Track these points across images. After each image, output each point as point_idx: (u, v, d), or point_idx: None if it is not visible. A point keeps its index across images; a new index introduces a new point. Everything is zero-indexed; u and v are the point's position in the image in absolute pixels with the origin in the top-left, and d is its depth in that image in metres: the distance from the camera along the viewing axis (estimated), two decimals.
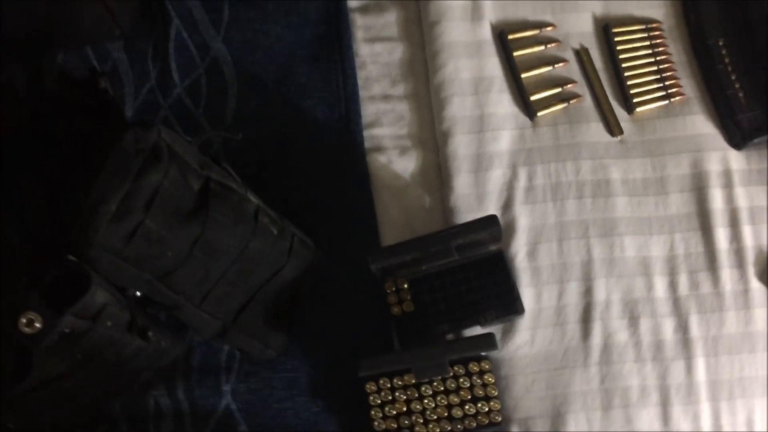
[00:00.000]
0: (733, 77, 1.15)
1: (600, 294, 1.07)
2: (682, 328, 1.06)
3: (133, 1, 1.16)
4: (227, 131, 1.07)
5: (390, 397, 1.03)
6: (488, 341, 0.98)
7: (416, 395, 1.03)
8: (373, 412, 1.03)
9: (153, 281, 0.88)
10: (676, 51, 1.19)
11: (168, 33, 1.18)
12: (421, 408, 1.03)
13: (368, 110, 1.17)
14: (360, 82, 1.18)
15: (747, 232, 1.10)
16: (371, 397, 1.03)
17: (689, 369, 1.05)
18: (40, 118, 1.03)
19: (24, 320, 0.75)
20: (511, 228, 1.10)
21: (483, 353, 1.04)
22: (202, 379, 1.06)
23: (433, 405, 1.03)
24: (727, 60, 1.15)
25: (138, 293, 0.91)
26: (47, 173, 0.96)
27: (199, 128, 1.13)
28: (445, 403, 1.03)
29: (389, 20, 1.21)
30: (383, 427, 1.02)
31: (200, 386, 1.05)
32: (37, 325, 0.75)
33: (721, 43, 1.16)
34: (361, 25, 1.21)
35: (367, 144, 1.15)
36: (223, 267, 0.93)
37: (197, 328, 0.98)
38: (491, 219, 1.00)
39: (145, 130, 0.83)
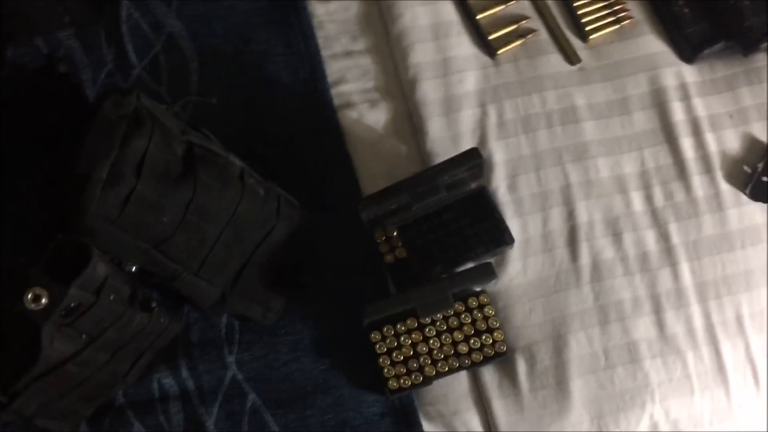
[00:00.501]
0: None
1: (582, 216, 1.11)
2: (663, 237, 1.10)
3: None
4: (201, 96, 1.06)
5: (396, 343, 1.04)
6: (488, 270, 1.00)
7: (421, 338, 1.04)
8: (381, 360, 1.03)
9: (150, 250, 0.86)
10: None
11: (119, 14, 1.16)
12: (427, 349, 1.04)
13: (332, 68, 1.17)
14: (320, 41, 1.18)
15: (710, 138, 1.15)
16: (377, 346, 1.03)
17: (675, 275, 1.09)
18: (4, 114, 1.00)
19: (30, 296, 0.73)
20: (489, 164, 1.12)
21: (480, 288, 1.05)
22: (204, 354, 1.05)
23: (439, 344, 1.04)
24: None
25: (134, 268, 0.90)
26: (29, 165, 0.93)
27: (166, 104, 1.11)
28: (450, 340, 1.04)
29: None
30: (393, 372, 1.03)
31: (203, 361, 1.04)
32: (44, 300, 0.74)
33: None
34: None
35: (336, 101, 1.16)
36: (217, 230, 0.92)
37: (197, 298, 0.97)
38: (473, 152, 1.02)
39: (123, 95, 0.82)
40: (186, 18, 1.17)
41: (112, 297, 0.82)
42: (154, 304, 0.88)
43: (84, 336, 0.84)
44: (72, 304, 0.77)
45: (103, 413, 1.01)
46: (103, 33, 1.16)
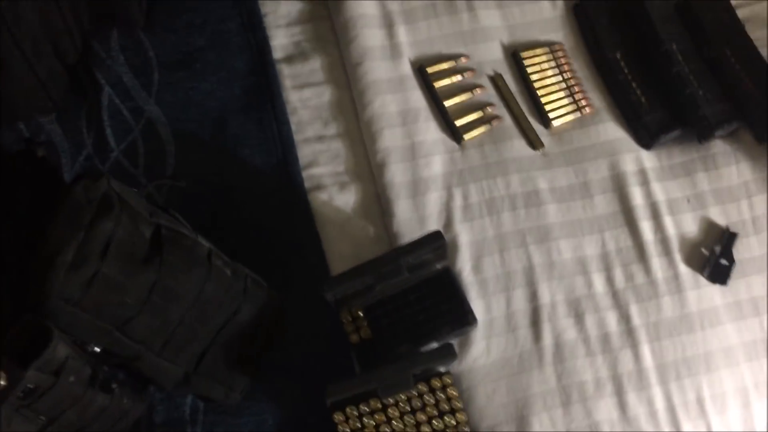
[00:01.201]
0: (633, 84, 1.25)
1: (545, 297, 1.13)
2: (624, 318, 1.13)
3: (63, 72, 1.19)
4: (172, 179, 1.10)
5: (359, 425, 1.04)
6: (448, 351, 1.02)
7: (384, 419, 1.05)
8: None
9: (113, 331, 0.88)
10: (579, 67, 1.29)
11: (100, 100, 1.21)
12: (390, 430, 1.04)
13: (304, 152, 1.22)
14: (293, 126, 1.23)
15: (668, 222, 1.18)
16: (340, 427, 1.04)
17: (636, 356, 1.10)
18: None
19: None
20: (454, 246, 1.15)
21: (443, 369, 1.07)
22: None
23: (402, 425, 1.04)
24: (626, 70, 1.26)
25: (97, 349, 0.91)
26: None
27: (141, 187, 1.15)
28: (413, 422, 1.05)
29: (314, 67, 1.27)
30: None
31: None
32: (2, 382, 0.75)
33: (618, 56, 1.27)
34: (288, 74, 1.27)
35: (307, 184, 1.20)
36: (181, 312, 0.94)
37: (159, 379, 0.98)
38: (436, 234, 1.05)
39: (94, 180, 0.85)
40: (165, 103, 1.22)
41: (72, 378, 0.84)
42: (114, 385, 0.89)
43: (42, 417, 0.84)
44: (30, 386, 0.78)
45: None
46: (84, 118, 1.21)
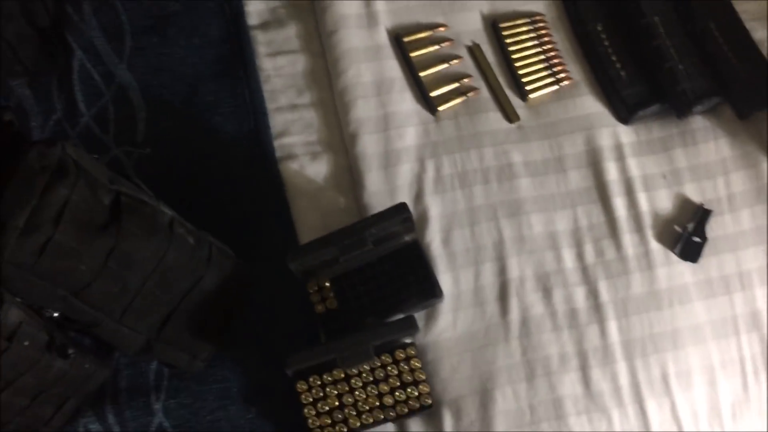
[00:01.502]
0: (613, 58, 1.23)
1: (514, 271, 1.12)
2: (593, 294, 1.12)
3: (34, 36, 1.17)
4: (135, 146, 1.09)
5: (321, 394, 1.05)
6: (409, 323, 1.02)
7: (347, 388, 1.05)
8: (306, 410, 1.04)
9: (68, 297, 0.88)
10: (560, 39, 1.27)
11: (71, 64, 1.20)
12: (352, 400, 1.05)
13: (277, 121, 1.21)
14: (266, 94, 1.22)
15: (642, 198, 1.17)
16: (303, 396, 1.04)
17: (603, 332, 1.10)
18: None
19: None
20: (423, 218, 1.14)
21: (408, 340, 1.07)
22: (131, 401, 1.06)
23: (365, 396, 1.05)
24: (606, 43, 1.24)
25: (56, 314, 0.91)
26: None
27: (107, 153, 1.14)
28: (376, 392, 1.05)
29: (289, 34, 1.26)
30: (318, 423, 1.04)
31: (130, 407, 1.05)
32: None
33: (599, 28, 1.25)
34: (262, 41, 1.25)
35: (278, 153, 1.19)
36: (141, 279, 0.94)
37: (120, 345, 0.99)
38: (400, 206, 1.04)
39: (48, 146, 0.84)
40: (137, 69, 1.21)
41: (26, 342, 0.84)
42: (71, 351, 0.89)
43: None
44: None
45: None
46: (55, 82, 1.20)
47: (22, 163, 0.84)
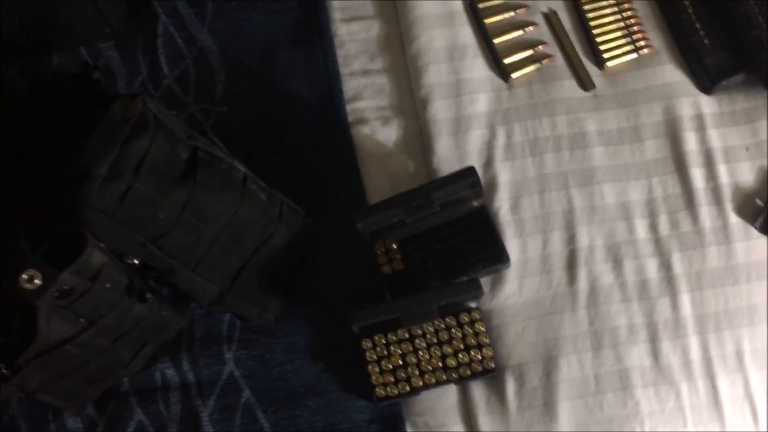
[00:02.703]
0: (697, 25, 1.19)
1: (583, 240, 1.11)
2: (665, 266, 1.09)
3: (122, 1, 1.23)
4: (212, 105, 1.13)
5: (385, 352, 1.06)
6: (473, 285, 1.02)
7: (411, 348, 1.06)
8: (370, 367, 1.06)
9: (147, 244, 0.92)
10: (640, 6, 1.24)
11: (156, 29, 1.25)
12: (416, 360, 1.06)
13: (349, 85, 1.22)
14: (340, 59, 1.23)
15: (722, 170, 1.13)
16: (367, 353, 1.06)
17: (675, 305, 1.07)
18: (38, 109, 1.09)
19: (25, 276, 0.80)
20: (493, 184, 1.14)
21: (472, 304, 1.07)
22: (205, 349, 1.10)
23: (428, 356, 1.06)
24: (690, 10, 1.20)
25: (136, 261, 0.96)
26: (47, 157, 1.01)
27: (184, 109, 1.18)
28: (439, 353, 1.06)
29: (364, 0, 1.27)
30: (381, 380, 1.06)
31: (204, 356, 1.10)
32: (37, 281, 0.81)
33: None
34: (337, 6, 1.27)
35: (350, 117, 1.20)
36: (215, 231, 0.98)
37: (195, 294, 1.03)
38: (469, 170, 1.04)
39: (131, 99, 0.89)
40: (217, 34, 1.25)
41: (108, 285, 0.89)
42: (148, 296, 0.94)
43: (82, 320, 0.90)
44: (66, 287, 0.83)
45: (108, 397, 1.08)
46: (141, 45, 1.25)
47: (106, 114, 0.88)
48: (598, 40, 1.22)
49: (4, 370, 0.89)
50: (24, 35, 1.19)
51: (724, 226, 1.11)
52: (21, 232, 0.88)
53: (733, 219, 1.11)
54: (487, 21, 1.22)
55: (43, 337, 0.87)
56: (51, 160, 0.96)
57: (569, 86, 1.20)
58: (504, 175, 1.14)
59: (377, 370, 1.06)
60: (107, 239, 0.89)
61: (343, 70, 1.23)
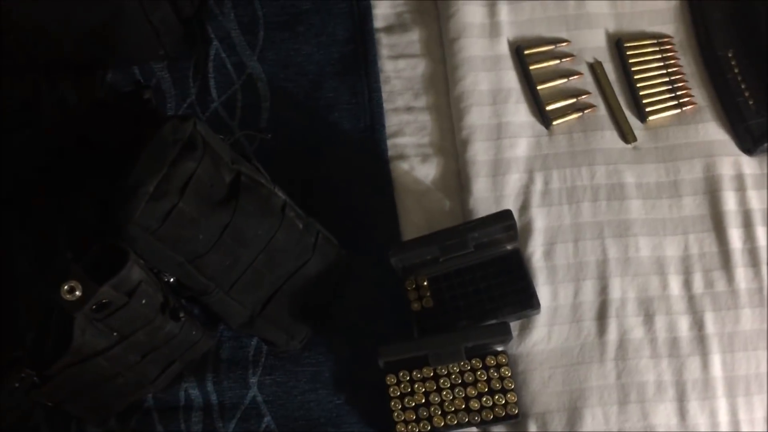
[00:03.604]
0: (742, 86, 1.19)
1: (615, 292, 1.10)
2: (698, 325, 1.08)
3: (177, 24, 1.26)
4: (258, 131, 1.15)
5: (409, 389, 1.06)
6: (503, 329, 1.02)
7: (435, 387, 1.06)
8: (392, 404, 1.06)
9: (185, 264, 0.94)
10: (686, 63, 1.24)
11: (208, 53, 1.28)
12: (439, 400, 1.06)
13: (392, 121, 1.24)
14: (384, 95, 1.25)
15: (760, 232, 1.12)
16: (391, 389, 1.06)
17: (705, 365, 1.06)
18: (91, 126, 1.13)
19: (66, 287, 0.82)
20: (527, 229, 1.14)
21: (499, 348, 1.07)
22: (230, 372, 1.11)
23: (451, 397, 1.06)
24: (736, 70, 1.20)
25: (171, 279, 0.97)
26: (96, 172, 1.04)
27: (230, 134, 1.20)
28: (463, 395, 1.06)
29: (412, 38, 1.29)
30: (402, 417, 1.05)
31: (228, 378, 1.10)
32: (78, 293, 0.82)
33: (730, 54, 1.21)
34: (386, 43, 1.29)
35: (390, 152, 1.22)
36: (251, 256, 0.99)
37: (226, 316, 1.04)
38: (506, 213, 1.05)
39: (182, 121, 0.91)
40: (266, 62, 1.28)
41: (144, 301, 0.91)
42: (182, 314, 0.95)
43: (115, 334, 0.92)
44: (104, 301, 0.85)
45: (131, 412, 1.09)
46: (192, 68, 1.28)
47: (157, 134, 0.91)
48: (642, 93, 1.22)
49: (35, 378, 0.91)
50: (80, 52, 1.23)
51: (760, 289, 1.09)
52: (66, 245, 0.90)
53: None
54: (532, 68, 1.24)
55: (77, 348, 0.89)
56: (100, 177, 0.99)
57: (610, 137, 1.20)
58: (539, 220, 1.15)
59: (399, 406, 1.06)
60: (147, 256, 0.91)
61: (387, 106, 1.25)
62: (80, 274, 0.83)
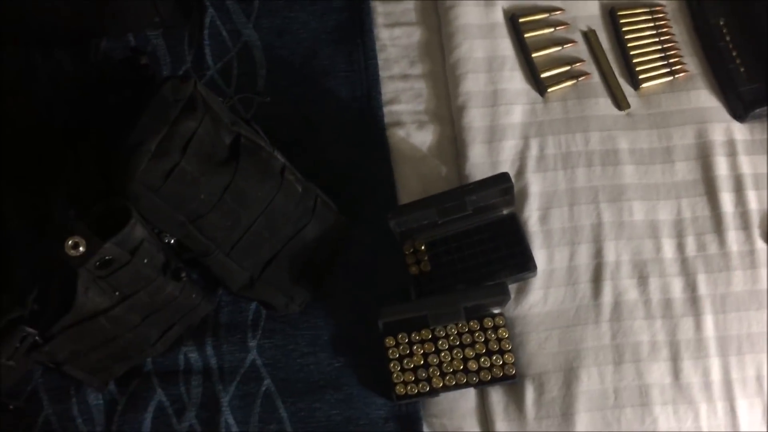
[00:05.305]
0: (734, 53, 1.21)
1: (610, 255, 1.12)
2: (690, 286, 1.10)
3: None
4: (257, 94, 1.16)
5: (408, 351, 1.07)
6: (501, 289, 1.03)
7: (433, 349, 1.07)
8: (391, 365, 1.07)
9: (186, 224, 0.94)
10: (678, 31, 1.26)
11: (203, 21, 1.28)
12: (437, 361, 1.07)
13: (388, 88, 1.25)
14: (380, 63, 1.26)
15: (751, 196, 1.14)
16: (390, 351, 1.07)
17: (698, 325, 1.08)
18: (88, 91, 1.13)
19: (70, 242, 0.82)
20: (523, 194, 1.15)
21: (497, 310, 1.08)
22: (229, 336, 1.11)
23: (450, 358, 1.07)
24: (728, 38, 1.22)
25: (172, 241, 0.98)
26: (95, 137, 1.04)
27: (227, 97, 1.20)
28: (461, 356, 1.07)
29: (407, 6, 1.30)
30: (401, 379, 1.07)
31: (228, 342, 1.11)
32: (81, 248, 0.82)
33: (722, 23, 1.22)
34: (381, 11, 1.29)
35: (387, 119, 1.23)
36: (251, 217, 0.99)
37: (226, 279, 1.04)
38: (503, 176, 1.06)
39: (182, 81, 0.91)
40: (262, 29, 1.28)
41: (146, 260, 0.91)
42: (183, 274, 0.95)
43: (117, 293, 0.92)
44: (107, 257, 0.85)
45: (131, 376, 1.09)
46: (187, 36, 1.28)
47: (157, 94, 0.91)
48: (635, 60, 1.24)
49: (37, 338, 0.91)
50: (76, 21, 1.22)
51: (751, 252, 1.12)
52: (69, 203, 0.90)
53: (760, 245, 1.12)
54: (527, 35, 1.25)
55: (80, 306, 0.89)
56: (99, 139, 0.99)
57: (604, 104, 1.21)
58: (535, 185, 1.16)
59: (398, 368, 1.07)
60: (149, 215, 0.91)
61: (383, 73, 1.25)
62: (84, 231, 0.83)
